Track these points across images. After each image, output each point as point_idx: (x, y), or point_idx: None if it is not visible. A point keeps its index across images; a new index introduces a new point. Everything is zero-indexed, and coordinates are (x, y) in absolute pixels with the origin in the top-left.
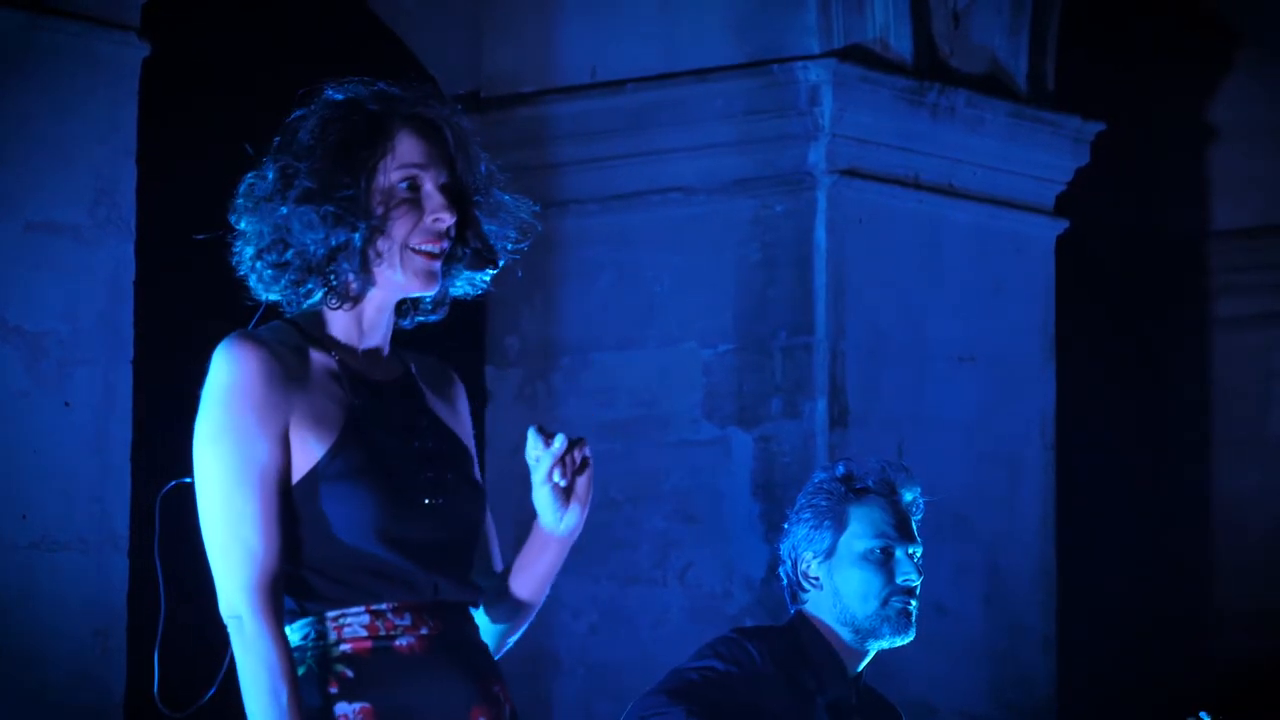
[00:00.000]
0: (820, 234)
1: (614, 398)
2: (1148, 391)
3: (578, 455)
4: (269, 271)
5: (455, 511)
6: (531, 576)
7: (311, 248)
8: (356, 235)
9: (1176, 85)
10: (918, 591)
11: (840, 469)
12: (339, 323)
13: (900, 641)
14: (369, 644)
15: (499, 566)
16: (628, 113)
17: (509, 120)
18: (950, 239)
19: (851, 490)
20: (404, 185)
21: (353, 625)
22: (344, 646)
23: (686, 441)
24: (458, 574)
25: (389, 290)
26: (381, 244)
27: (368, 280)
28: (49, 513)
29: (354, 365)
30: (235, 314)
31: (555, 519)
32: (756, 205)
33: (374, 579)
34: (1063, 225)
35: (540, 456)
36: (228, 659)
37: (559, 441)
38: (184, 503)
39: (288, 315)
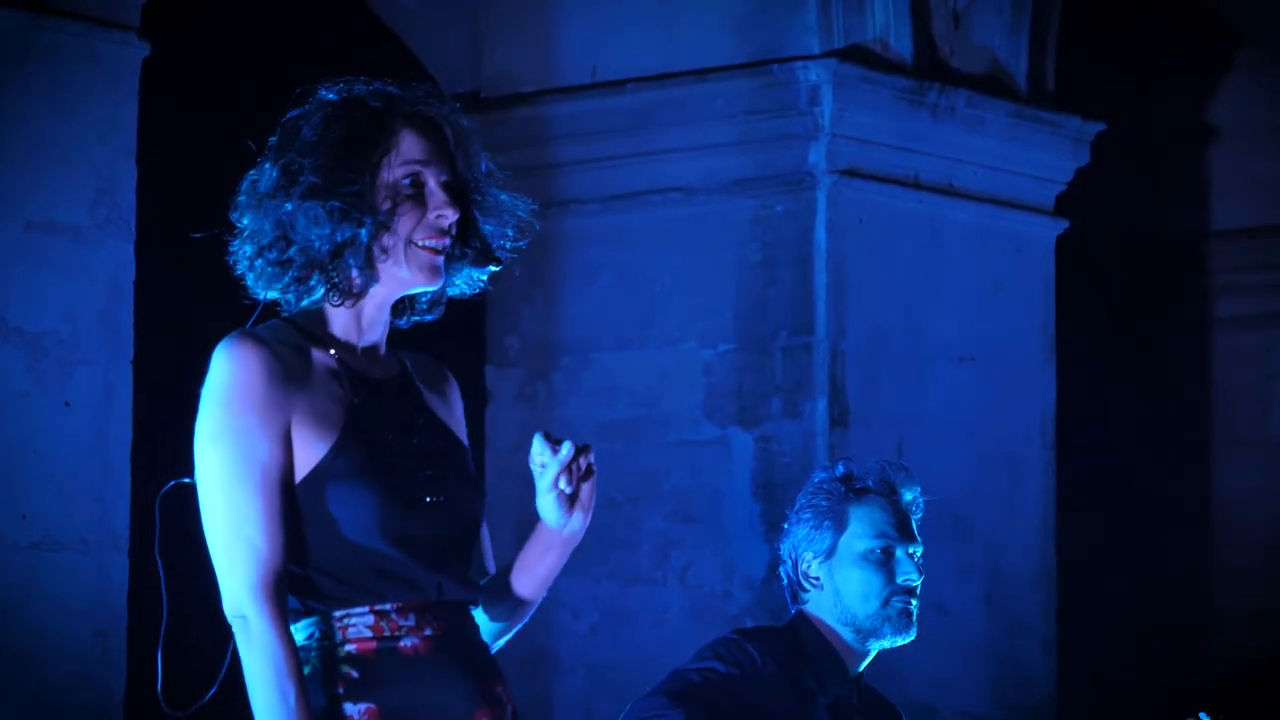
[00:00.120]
0: (820, 234)
1: (614, 398)
2: (1148, 391)
3: (583, 462)
4: (270, 269)
5: (456, 509)
6: (531, 578)
7: (316, 243)
8: (363, 230)
9: (1176, 85)
10: (918, 591)
11: (840, 469)
12: (338, 321)
13: (901, 641)
14: (373, 644)
15: (491, 566)
16: (628, 113)
17: (509, 120)
18: (950, 239)
19: (851, 490)
20: (407, 182)
21: (357, 625)
22: (349, 647)
23: (687, 441)
24: (459, 573)
25: (392, 286)
26: (386, 239)
27: (371, 276)
28: (49, 513)
29: (353, 364)
30: (235, 313)
31: (560, 524)
32: (757, 205)
33: (378, 579)
34: (1063, 225)
35: (547, 463)
36: (228, 658)
37: (566, 449)
38: (184, 502)
39: (286, 314)
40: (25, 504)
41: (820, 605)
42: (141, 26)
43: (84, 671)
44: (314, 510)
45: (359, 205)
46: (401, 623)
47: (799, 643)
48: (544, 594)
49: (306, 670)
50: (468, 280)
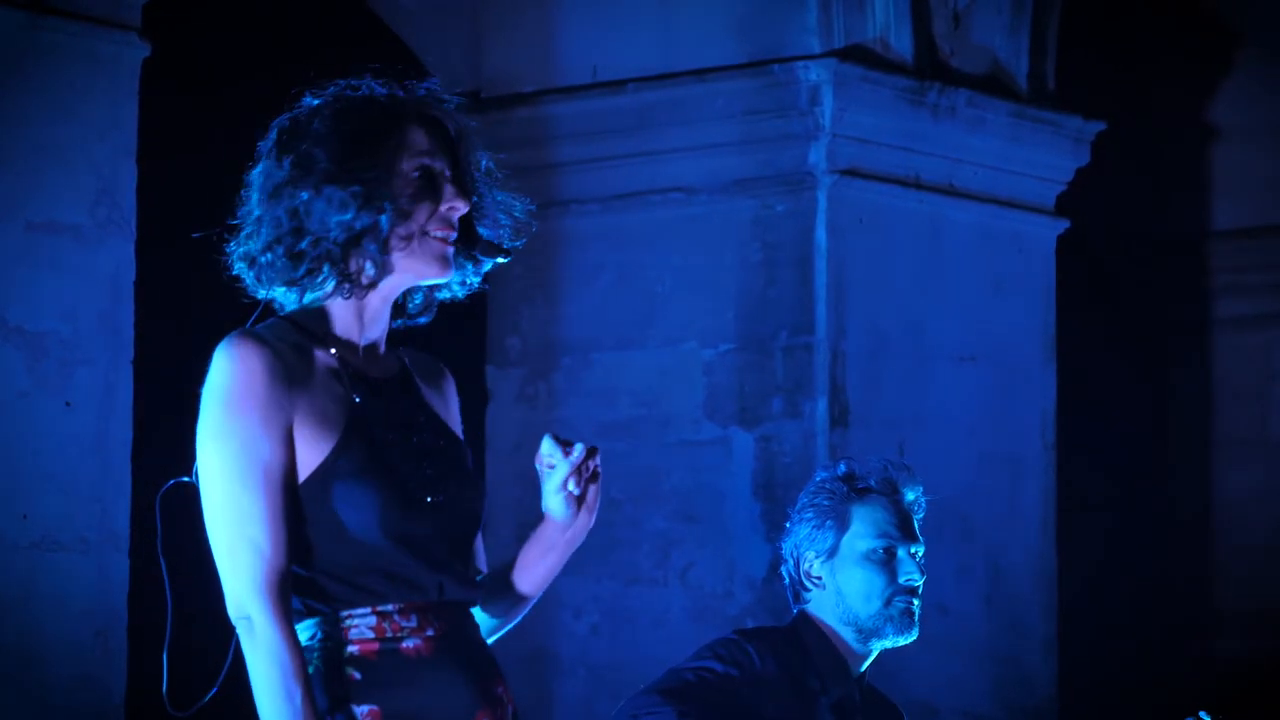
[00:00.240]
0: (821, 234)
1: (615, 398)
2: (1148, 391)
3: (590, 464)
4: (283, 261)
5: (457, 509)
6: (531, 576)
7: (334, 231)
8: (384, 217)
9: (1176, 85)
10: (920, 591)
11: (842, 468)
12: (340, 318)
13: (904, 641)
14: (376, 645)
15: (484, 565)
16: (628, 113)
17: (509, 120)
18: (951, 239)
19: (854, 490)
20: (416, 175)
21: (359, 627)
22: (351, 648)
23: (687, 441)
24: (460, 572)
25: (403, 277)
26: (402, 229)
27: (386, 266)
28: (50, 513)
29: (353, 362)
30: (235, 313)
31: (565, 525)
32: (757, 205)
33: (380, 579)
34: (1063, 225)
35: (556, 464)
36: (230, 658)
37: (578, 450)
38: (185, 501)
39: (286, 312)
40: (25, 504)
41: (822, 605)
42: (142, 27)
43: (84, 672)
44: (316, 510)
45: (379, 192)
46: (403, 624)
47: (801, 643)
48: (541, 593)
49: (309, 671)
50: (460, 281)
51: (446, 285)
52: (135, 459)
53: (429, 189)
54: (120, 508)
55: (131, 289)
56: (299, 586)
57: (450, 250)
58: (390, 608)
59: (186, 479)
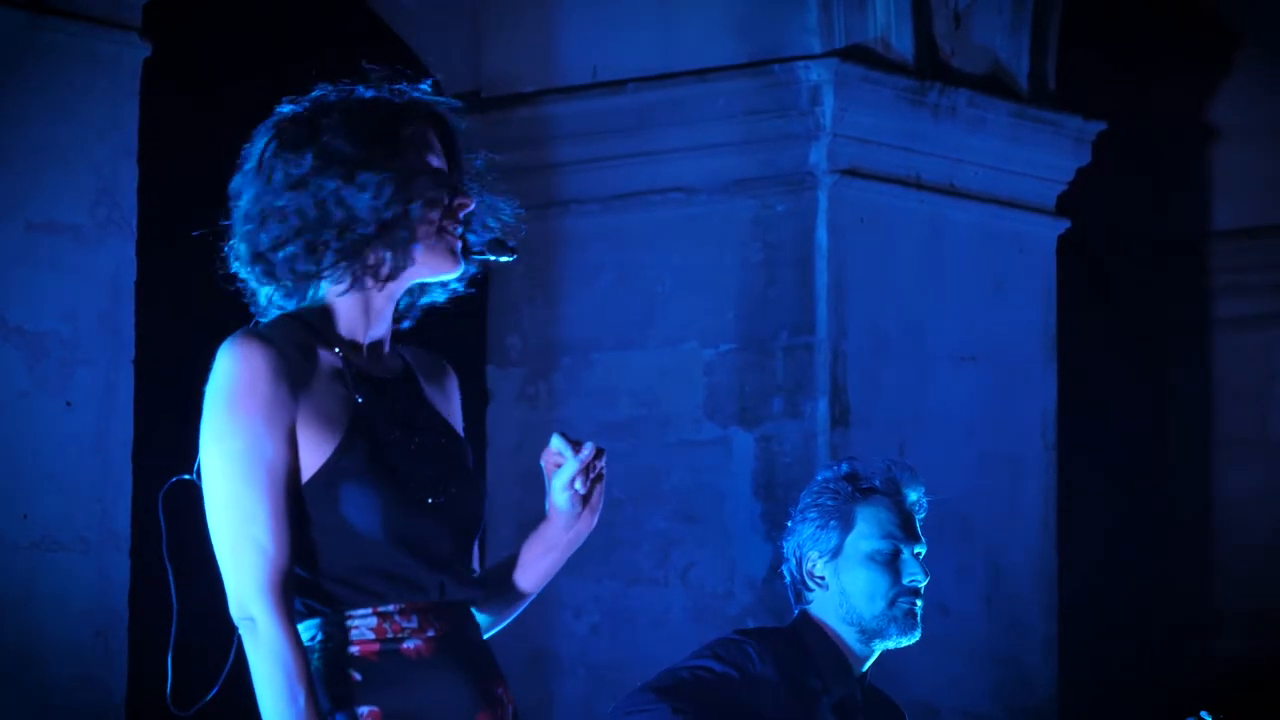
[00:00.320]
0: (821, 234)
1: (615, 398)
2: (1148, 391)
3: (597, 465)
4: (302, 254)
5: (458, 509)
6: (531, 574)
7: (366, 217)
8: (415, 206)
9: (1176, 85)
10: (923, 591)
11: (846, 468)
12: (345, 317)
13: (906, 642)
14: (377, 646)
15: (477, 566)
16: (628, 113)
17: (509, 120)
18: (951, 239)
19: (858, 490)
20: (430, 170)
21: (360, 628)
22: (352, 649)
23: (688, 441)
24: (461, 573)
25: (416, 271)
26: (426, 221)
27: (406, 261)
28: (50, 513)
29: (357, 361)
30: (236, 313)
31: (568, 523)
32: (757, 205)
33: (381, 580)
34: (1064, 225)
35: (565, 462)
36: (231, 658)
37: (587, 449)
38: (186, 500)
39: (291, 310)
40: (25, 504)
41: (825, 605)
42: (142, 27)
43: (84, 672)
44: (318, 511)
45: (408, 182)
46: (404, 624)
47: (802, 643)
48: (539, 590)
49: None
50: (458, 279)
51: (443, 286)
52: (135, 459)
53: (443, 185)
54: (120, 508)
55: (132, 289)
56: (300, 587)
57: (459, 246)
58: (391, 608)
59: (188, 476)
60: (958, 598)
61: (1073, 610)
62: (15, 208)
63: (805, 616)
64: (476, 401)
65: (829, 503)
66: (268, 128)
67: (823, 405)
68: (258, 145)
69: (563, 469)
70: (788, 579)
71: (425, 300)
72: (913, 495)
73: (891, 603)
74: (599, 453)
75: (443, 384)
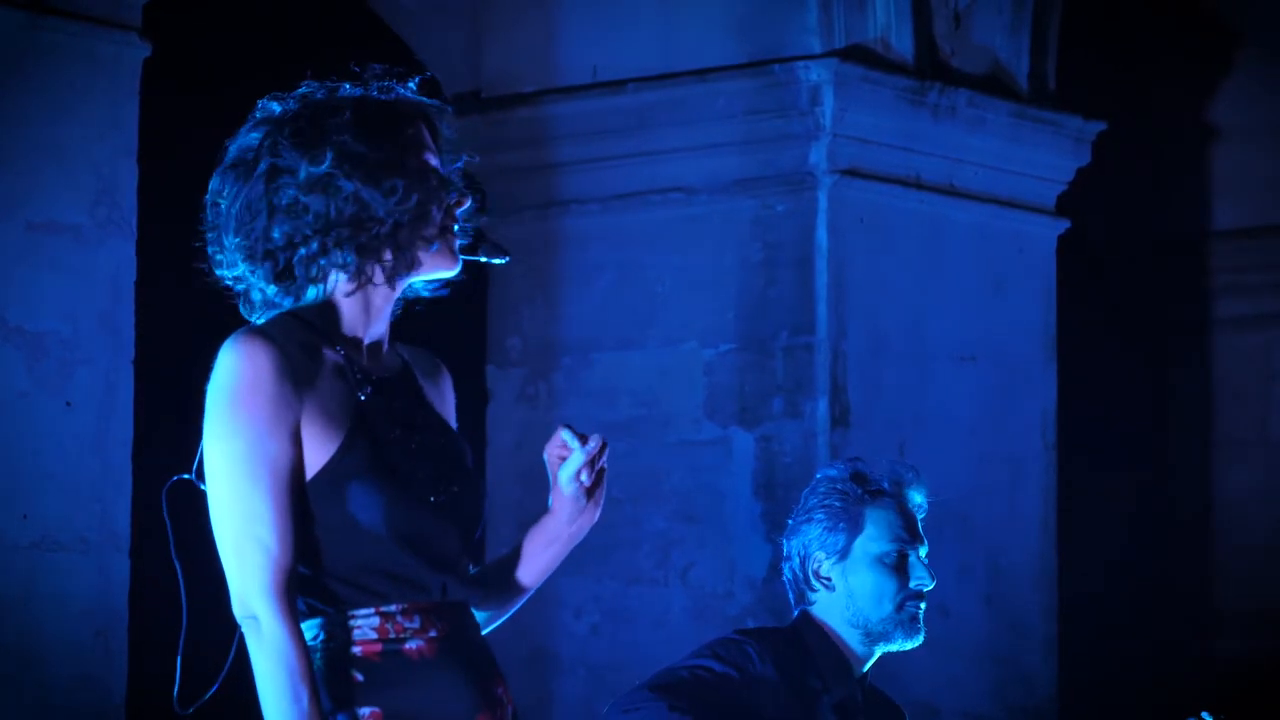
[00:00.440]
0: (821, 234)
1: (615, 398)
2: (1148, 391)
3: (601, 459)
4: (318, 251)
5: (459, 508)
6: (531, 569)
7: (387, 217)
8: (432, 208)
9: (1176, 85)
10: (927, 595)
11: (851, 469)
12: (347, 315)
13: (909, 646)
14: (379, 646)
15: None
16: (628, 113)
17: (509, 120)
18: (951, 239)
19: (867, 492)
20: (432, 170)
21: (363, 628)
22: (355, 649)
23: (688, 441)
24: (462, 572)
25: (421, 270)
26: (438, 222)
27: (414, 260)
28: (50, 513)
29: (358, 360)
30: (236, 313)
31: (571, 517)
32: (757, 205)
33: (383, 579)
34: (1064, 225)
35: (573, 454)
36: (232, 657)
37: (594, 441)
38: (186, 499)
39: (292, 308)
40: (25, 504)
41: (829, 606)
42: (142, 27)
43: (84, 672)
44: (321, 510)
45: (421, 183)
46: (406, 625)
47: (803, 643)
48: (538, 585)
49: None
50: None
51: (427, 284)
52: (135, 459)
53: (446, 185)
54: (120, 508)
55: (132, 289)
56: (303, 586)
57: (459, 245)
58: (393, 608)
59: (188, 476)
60: (958, 598)
61: (1073, 610)
62: (15, 208)
63: (806, 617)
64: (476, 401)
65: (838, 504)
66: (260, 124)
67: (823, 405)
68: (250, 141)
69: (569, 461)
70: (789, 578)
71: (409, 296)
72: (917, 497)
73: (899, 606)
74: (604, 446)
75: (438, 383)
